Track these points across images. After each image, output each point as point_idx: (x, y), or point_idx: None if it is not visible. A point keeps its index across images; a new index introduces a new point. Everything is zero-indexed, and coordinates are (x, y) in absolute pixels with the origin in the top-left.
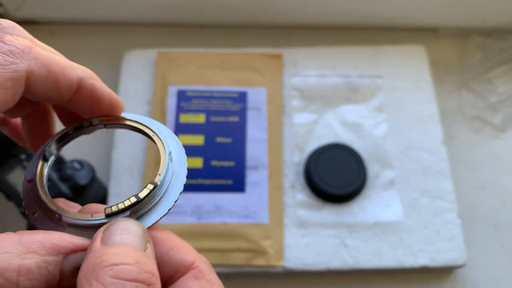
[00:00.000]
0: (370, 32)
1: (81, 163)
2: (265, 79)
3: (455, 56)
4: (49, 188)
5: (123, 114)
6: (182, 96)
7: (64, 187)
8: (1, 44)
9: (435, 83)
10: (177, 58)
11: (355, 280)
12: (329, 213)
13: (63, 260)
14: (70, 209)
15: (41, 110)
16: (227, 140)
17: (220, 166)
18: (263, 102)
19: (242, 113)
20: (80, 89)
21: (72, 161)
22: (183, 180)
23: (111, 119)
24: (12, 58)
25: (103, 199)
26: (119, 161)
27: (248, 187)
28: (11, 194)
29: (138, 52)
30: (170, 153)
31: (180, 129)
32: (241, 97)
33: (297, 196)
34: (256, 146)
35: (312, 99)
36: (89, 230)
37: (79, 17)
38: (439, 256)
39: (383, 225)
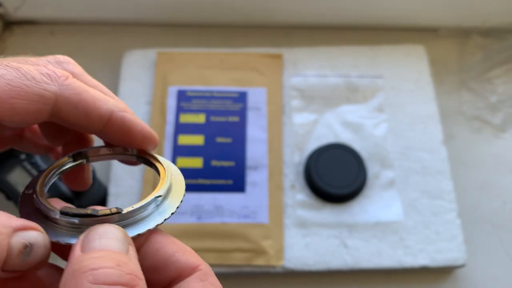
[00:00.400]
0: (370, 32)
1: None
2: (265, 79)
3: (455, 56)
4: (49, 188)
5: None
6: (182, 96)
7: (64, 187)
8: (44, 68)
9: (435, 83)
10: (177, 58)
11: (355, 280)
12: (329, 213)
13: (10, 237)
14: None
15: (81, 140)
16: (227, 140)
17: (220, 166)
18: (263, 102)
19: (242, 113)
20: (111, 120)
21: None
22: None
23: (145, 153)
24: (47, 79)
25: (103, 199)
26: (119, 162)
27: (248, 187)
28: (11, 194)
29: (138, 52)
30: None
31: (180, 129)
32: (241, 97)
33: (297, 196)
34: (256, 146)
35: (312, 99)
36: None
37: (79, 17)
38: (439, 256)
39: (383, 225)
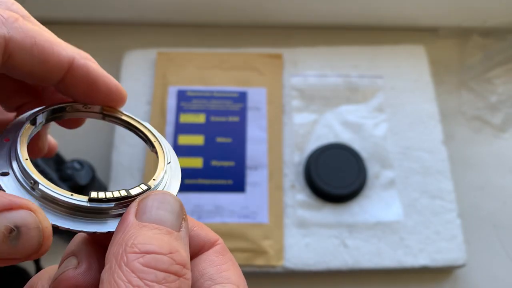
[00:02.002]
0: (370, 32)
1: (81, 163)
2: (265, 79)
3: (455, 56)
4: None
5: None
6: (182, 96)
7: (64, 187)
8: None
9: (435, 83)
10: (177, 58)
11: (355, 280)
12: (329, 213)
13: None
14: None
15: (37, 102)
16: (227, 140)
17: (220, 166)
18: (263, 102)
19: (242, 113)
20: (71, 69)
21: (72, 161)
22: (174, 192)
23: (112, 110)
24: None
25: None
26: (119, 161)
27: (248, 187)
28: None
29: (138, 52)
30: (169, 163)
31: (180, 129)
32: (241, 97)
33: (297, 196)
34: (256, 146)
35: (312, 99)
36: (64, 209)
37: (79, 17)
38: (439, 256)
39: (383, 225)
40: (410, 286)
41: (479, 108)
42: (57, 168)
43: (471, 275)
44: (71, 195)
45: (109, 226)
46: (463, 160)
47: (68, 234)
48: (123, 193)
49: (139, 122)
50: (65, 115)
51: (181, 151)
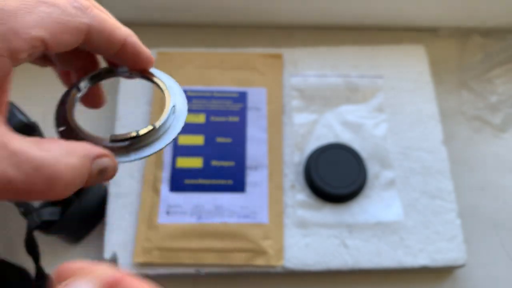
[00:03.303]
0: (370, 32)
1: None
2: (265, 79)
3: (455, 56)
4: None
5: (152, 70)
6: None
7: None
8: (73, 1)
9: (435, 83)
10: (177, 58)
11: (355, 280)
12: (329, 213)
13: (92, 162)
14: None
15: (88, 64)
16: (227, 140)
17: (220, 166)
18: (263, 102)
19: (242, 113)
20: (124, 45)
21: None
22: (177, 131)
23: (137, 70)
24: (79, 13)
25: (103, 199)
26: None
27: (248, 187)
28: None
29: None
30: (174, 106)
31: None
32: (241, 97)
33: (297, 196)
34: (256, 146)
35: (312, 99)
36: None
37: None
38: (439, 256)
39: (383, 225)
40: (410, 286)
41: (479, 108)
42: None
43: (471, 275)
44: (109, 141)
45: (131, 157)
46: (463, 160)
47: (67, 235)
48: (133, 133)
49: (154, 76)
50: (102, 79)
51: (181, 151)
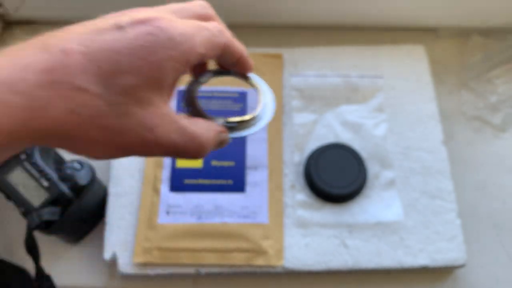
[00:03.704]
0: (370, 32)
1: (81, 163)
2: (265, 79)
3: (455, 56)
4: (48, 187)
5: (249, 74)
6: (182, 96)
7: (64, 187)
8: (216, 25)
9: (435, 83)
10: None
11: (355, 280)
12: (329, 213)
13: (218, 136)
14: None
15: (203, 65)
16: None
17: (220, 166)
18: None
19: (242, 113)
20: (240, 59)
21: (72, 161)
22: (267, 120)
23: (241, 73)
24: (220, 34)
25: (103, 199)
26: (119, 162)
27: (248, 187)
28: (11, 194)
29: None
30: (265, 104)
31: None
32: (241, 97)
33: (297, 196)
34: (256, 146)
35: (312, 99)
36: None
37: (79, 17)
38: (439, 256)
39: (383, 225)
40: (410, 286)
41: (479, 108)
42: (57, 168)
43: (471, 275)
44: (219, 120)
45: (235, 134)
46: (463, 160)
47: (67, 235)
48: (239, 118)
49: (252, 78)
50: (219, 74)
51: None
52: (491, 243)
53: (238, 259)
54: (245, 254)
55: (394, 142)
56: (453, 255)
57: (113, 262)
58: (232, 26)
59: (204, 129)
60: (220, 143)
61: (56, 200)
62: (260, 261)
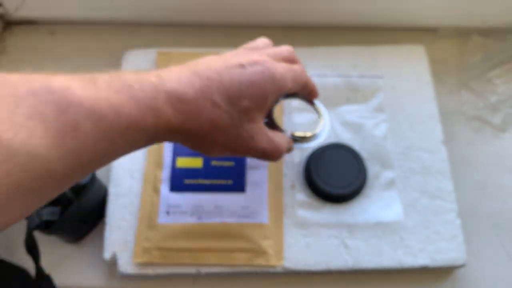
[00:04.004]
0: (370, 32)
1: None
2: None
3: (455, 56)
4: None
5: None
6: None
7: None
8: (299, 66)
9: (435, 83)
10: (177, 58)
11: (355, 280)
12: (329, 213)
13: (289, 145)
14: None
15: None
16: None
17: (220, 166)
18: None
19: None
20: (312, 92)
21: None
22: (324, 137)
23: (308, 99)
24: (303, 73)
25: (103, 199)
26: (119, 162)
27: (248, 187)
28: None
29: (138, 52)
30: (324, 125)
31: None
32: None
33: (297, 196)
34: None
35: None
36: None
37: (79, 17)
38: (439, 256)
39: (383, 225)
40: (410, 286)
41: (479, 108)
42: None
43: (471, 275)
44: (290, 134)
45: (297, 146)
46: (463, 160)
47: (67, 235)
48: (302, 134)
49: (315, 103)
50: (290, 97)
51: (181, 151)
52: (491, 243)
53: (238, 259)
54: (245, 254)
55: (394, 142)
56: (453, 255)
57: (113, 262)
58: (232, 26)
59: (281, 139)
60: (288, 150)
61: (56, 200)
62: (260, 261)
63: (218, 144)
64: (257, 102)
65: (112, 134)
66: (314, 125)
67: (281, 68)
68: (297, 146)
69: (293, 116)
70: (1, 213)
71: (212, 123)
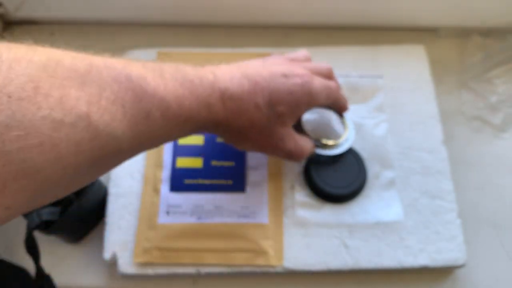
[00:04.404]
0: (370, 32)
1: None
2: None
3: (455, 56)
4: None
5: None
6: None
7: None
8: (334, 83)
9: (435, 83)
10: (177, 58)
11: (355, 280)
12: (329, 213)
13: (312, 149)
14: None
15: None
16: None
17: (220, 166)
18: None
19: None
20: (336, 99)
21: None
22: (347, 147)
23: (338, 112)
24: (338, 89)
25: (103, 199)
26: None
27: (248, 187)
28: None
29: (138, 52)
30: (348, 137)
31: None
32: None
33: (297, 196)
34: None
35: None
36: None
37: (79, 17)
38: (439, 256)
39: (383, 225)
40: (410, 286)
41: (479, 108)
42: None
43: (471, 275)
44: (314, 140)
45: (320, 152)
46: (463, 160)
47: (67, 235)
48: (326, 141)
49: (344, 116)
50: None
51: (181, 151)
52: (491, 243)
53: (238, 259)
54: (245, 254)
55: (394, 142)
56: (453, 255)
57: (113, 262)
58: (232, 26)
59: (306, 143)
60: (311, 154)
61: (58, 200)
62: (260, 261)
63: (251, 140)
64: (292, 109)
65: (173, 123)
66: (324, 132)
67: (318, 83)
68: (319, 151)
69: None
70: (79, 180)
71: (251, 122)
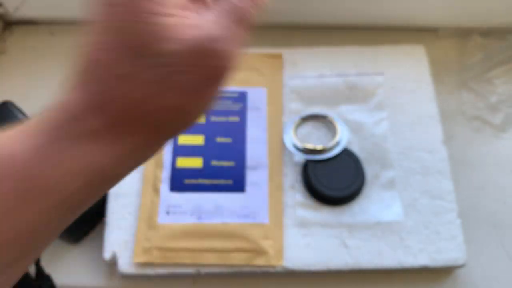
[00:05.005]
0: (370, 32)
1: None
2: (265, 79)
3: (455, 56)
4: None
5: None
6: None
7: None
8: None
9: (435, 83)
10: None
11: (355, 280)
12: (329, 213)
13: None
14: None
15: None
16: (227, 140)
17: (220, 166)
18: (263, 102)
19: (242, 113)
20: None
21: None
22: (339, 151)
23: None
24: None
25: (103, 199)
26: None
27: (248, 187)
28: None
29: None
30: (339, 140)
31: None
32: (241, 97)
33: (297, 196)
34: (256, 146)
35: (312, 100)
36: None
37: (79, 17)
38: (439, 256)
39: (383, 225)
40: (410, 286)
41: (479, 108)
42: None
43: (471, 275)
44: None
45: (311, 157)
46: (463, 160)
47: (67, 235)
48: (312, 146)
49: (335, 120)
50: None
51: (181, 151)
52: (491, 243)
53: (238, 259)
54: (245, 254)
55: (394, 142)
56: (453, 255)
57: (113, 262)
58: None
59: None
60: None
61: None
62: (260, 261)
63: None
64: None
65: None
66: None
67: None
68: (310, 157)
69: (293, 116)
70: None
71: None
